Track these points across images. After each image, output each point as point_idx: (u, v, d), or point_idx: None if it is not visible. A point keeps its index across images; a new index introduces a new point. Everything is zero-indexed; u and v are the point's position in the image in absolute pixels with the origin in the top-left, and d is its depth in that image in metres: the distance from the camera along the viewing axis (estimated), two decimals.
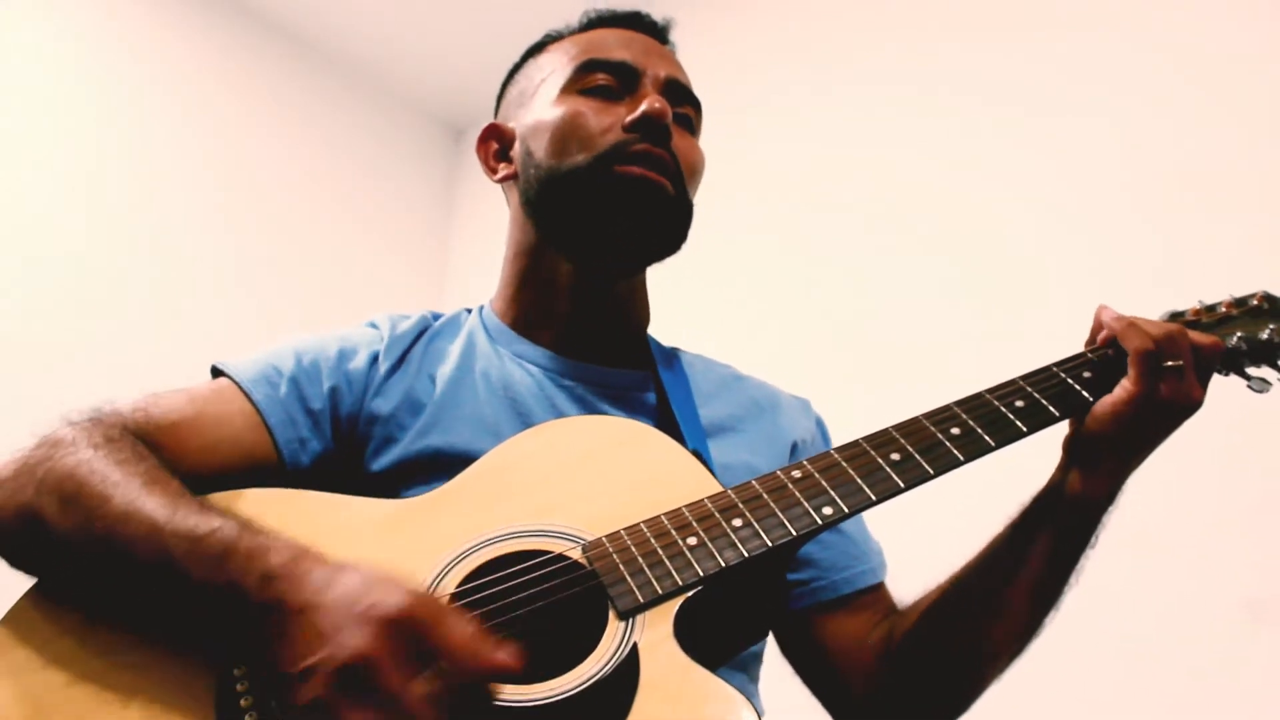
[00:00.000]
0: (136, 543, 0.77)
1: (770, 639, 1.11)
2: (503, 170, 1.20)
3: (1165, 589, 1.71)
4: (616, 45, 1.16)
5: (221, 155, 3.16)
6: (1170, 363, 0.89)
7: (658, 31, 1.23)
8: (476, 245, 3.58)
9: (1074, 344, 1.00)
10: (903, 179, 2.43)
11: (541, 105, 1.15)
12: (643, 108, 1.08)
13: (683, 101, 1.17)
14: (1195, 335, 0.92)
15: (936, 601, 1.01)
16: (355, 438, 1.03)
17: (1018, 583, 0.96)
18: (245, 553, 0.74)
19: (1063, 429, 0.95)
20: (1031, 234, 2.16)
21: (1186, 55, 2.06)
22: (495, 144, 1.22)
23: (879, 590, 1.13)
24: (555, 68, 1.17)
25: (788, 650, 1.13)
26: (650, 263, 1.17)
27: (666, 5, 3.05)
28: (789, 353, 2.32)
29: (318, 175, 3.41)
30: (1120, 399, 0.89)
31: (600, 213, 1.08)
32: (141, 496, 0.80)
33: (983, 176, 2.29)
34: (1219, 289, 1.03)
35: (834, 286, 2.47)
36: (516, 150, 1.17)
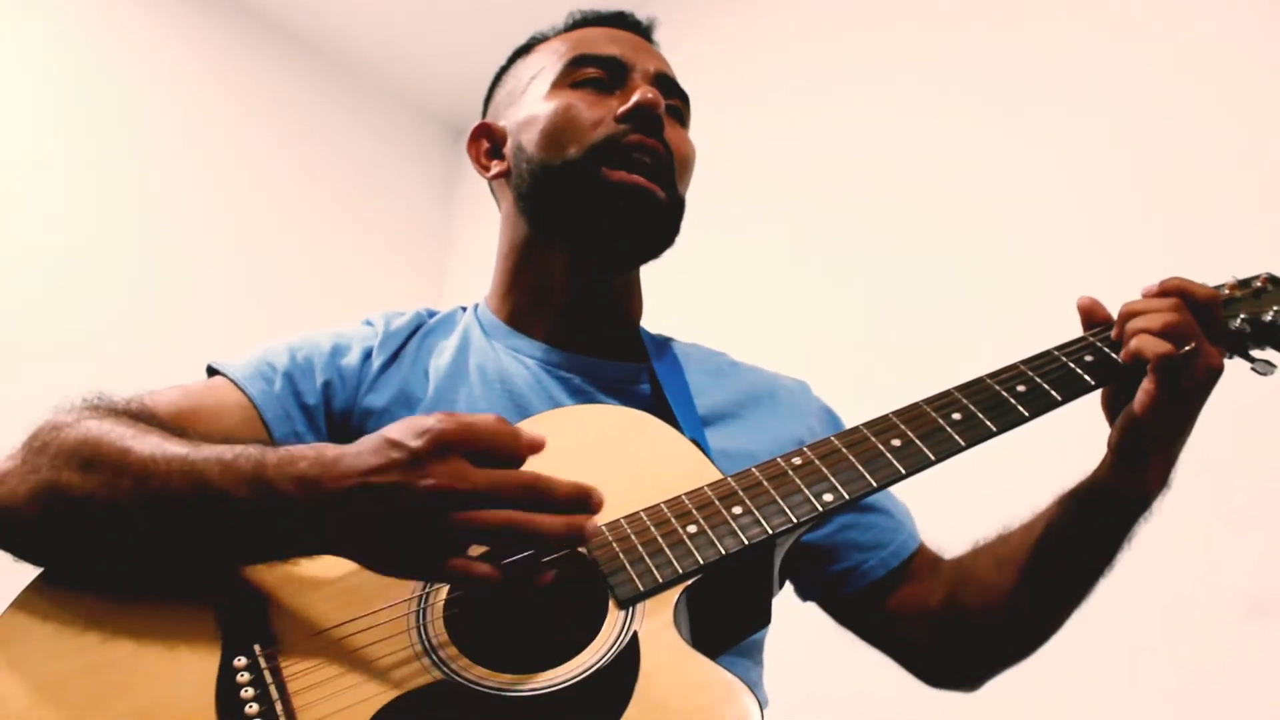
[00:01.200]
0: (170, 478, 0.78)
1: (779, 628, 1.12)
2: (495, 167, 1.21)
3: (1165, 586, 1.70)
4: (605, 41, 1.18)
5: (221, 155, 3.16)
6: (1186, 348, 0.87)
7: (643, 30, 1.25)
8: (476, 245, 3.58)
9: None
10: (904, 176, 2.42)
11: (532, 101, 1.16)
12: (635, 98, 1.10)
13: (672, 94, 1.18)
14: (1192, 289, 0.91)
15: (996, 567, 1.06)
16: (349, 432, 1.03)
17: (1074, 565, 1.01)
18: (275, 465, 0.77)
19: (1073, 419, 0.95)
20: (1033, 230, 2.15)
21: (1188, 52, 2.05)
22: (486, 142, 1.23)
23: (923, 552, 1.16)
24: (545, 65, 1.18)
25: (858, 628, 1.16)
26: (641, 262, 1.18)
27: (667, 4, 3.05)
28: (790, 349, 2.31)
29: (317, 175, 3.41)
30: (1147, 402, 0.89)
31: (592, 215, 1.09)
32: (161, 443, 0.81)
33: (985, 173, 2.28)
34: (1220, 278, 1.02)
35: (835, 284, 2.46)
36: (508, 147, 1.18)
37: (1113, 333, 0.93)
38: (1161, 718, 1.65)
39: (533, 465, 0.92)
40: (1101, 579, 1.01)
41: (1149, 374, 0.88)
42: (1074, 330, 0.98)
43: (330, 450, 0.77)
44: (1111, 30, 2.19)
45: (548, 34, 1.25)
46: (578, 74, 1.14)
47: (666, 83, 1.18)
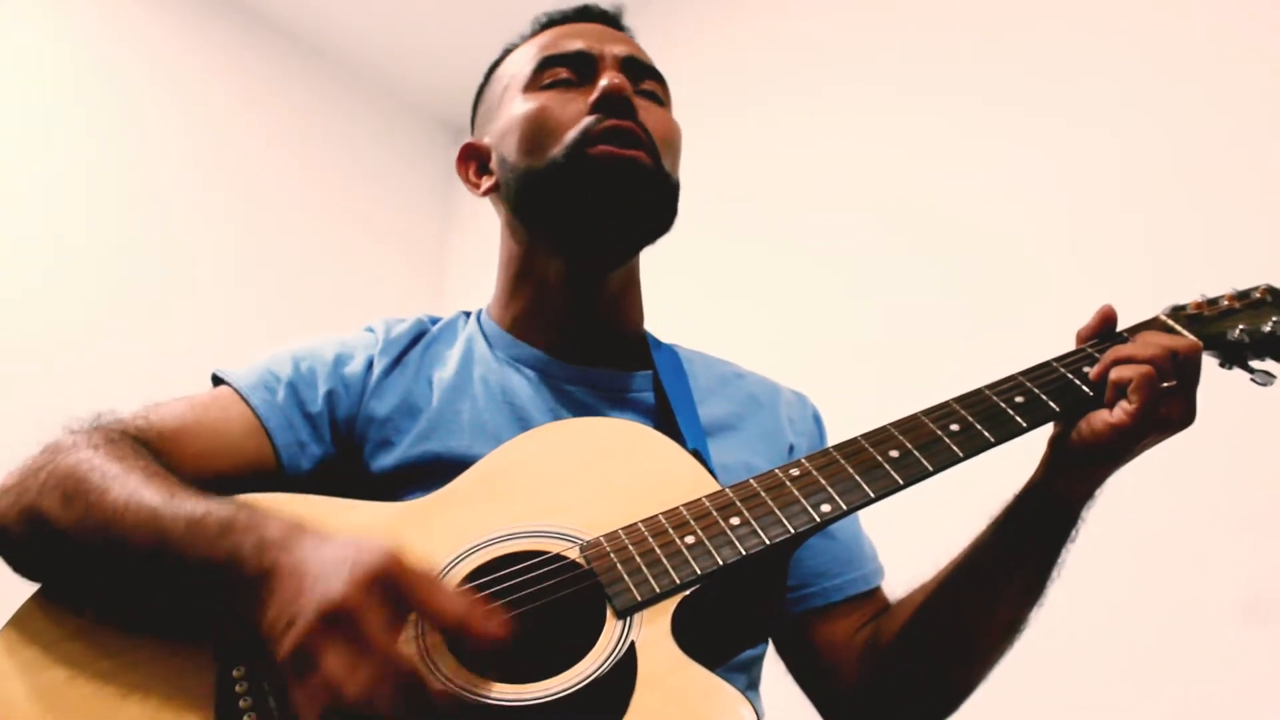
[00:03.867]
0: (136, 529, 0.78)
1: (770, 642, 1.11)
2: (485, 183, 1.20)
3: (1163, 590, 1.71)
4: (570, 38, 1.17)
5: (221, 155, 3.16)
6: (1168, 384, 0.87)
7: (609, 19, 1.24)
8: (475, 245, 3.57)
9: (1072, 343, 0.99)
10: (901, 179, 2.42)
11: (507, 110, 1.16)
12: (601, 83, 1.09)
13: (644, 77, 1.17)
14: (1173, 343, 0.89)
15: (922, 601, 1.01)
16: (353, 441, 1.04)
17: (1002, 580, 0.96)
18: (243, 527, 0.76)
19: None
20: (1030, 234, 2.15)
21: (1184, 56, 2.05)
22: (474, 161, 1.23)
23: (873, 595, 1.12)
24: (515, 72, 1.18)
25: (783, 653, 1.13)
26: (641, 244, 1.16)
27: (663, 7, 3.03)
28: (787, 353, 2.31)
29: (316, 175, 3.41)
30: (1121, 421, 0.87)
31: (580, 199, 1.07)
32: (140, 488, 0.81)
33: (981, 176, 2.28)
34: (1220, 287, 1.02)
35: (832, 287, 2.46)
36: (494, 161, 1.18)
37: (1093, 372, 0.92)
38: (1158, 718, 1.66)
39: (533, 476, 0.93)
40: (1036, 603, 0.97)
41: (1131, 393, 0.86)
42: (1067, 333, 0.98)
43: (303, 527, 0.76)
44: (1105, 32, 2.19)
45: (517, 42, 1.24)
46: (546, 75, 1.14)
47: (636, 66, 1.16)
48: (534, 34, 1.23)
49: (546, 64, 1.14)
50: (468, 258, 3.60)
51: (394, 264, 3.54)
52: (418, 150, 3.76)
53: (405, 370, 1.10)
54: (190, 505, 0.78)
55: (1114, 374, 0.88)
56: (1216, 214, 1.88)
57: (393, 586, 0.70)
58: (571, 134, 1.07)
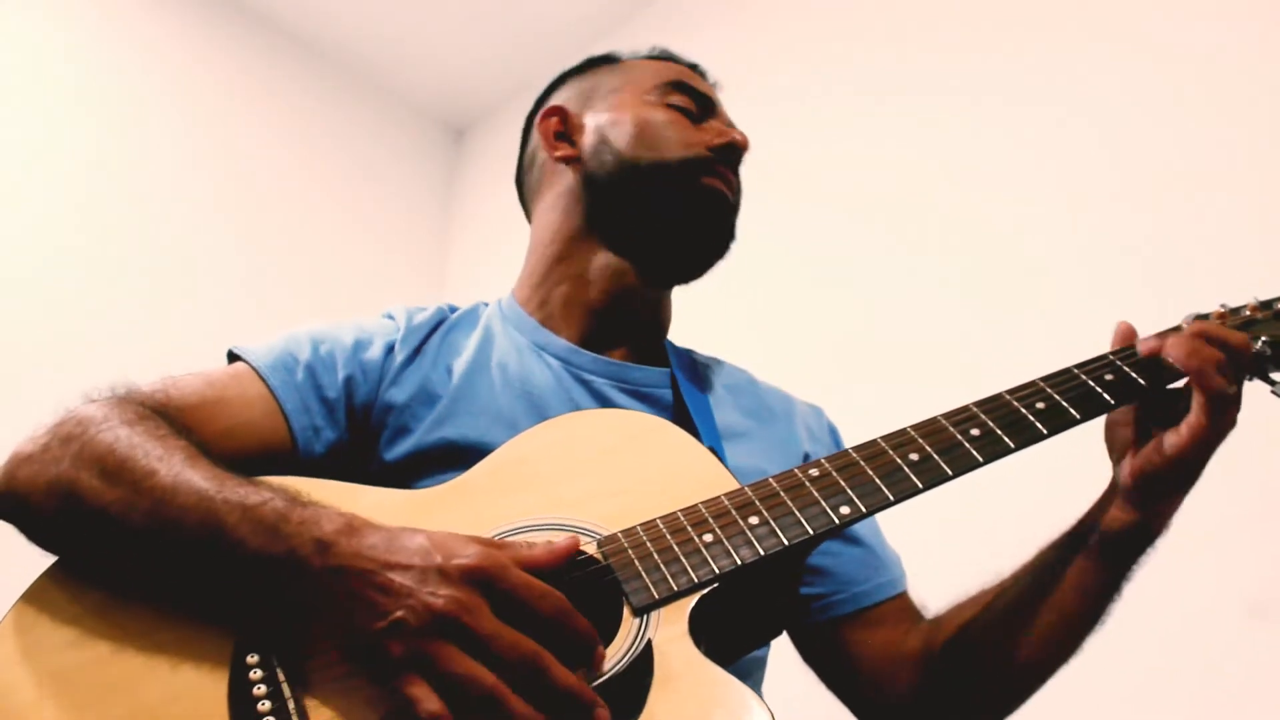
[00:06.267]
0: (187, 512, 0.77)
1: (781, 645, 1.10)
2: (563, 149, 1.21)
3: (1166, 589, 1.70)
4: (698, 80, 1.25)
5: (221, 155, 3.15)
6: (1233, 389, 0.86)
7: (713, 84, 1.31)
8: (476, 245, 3.57)
9: (1085, 344, 0.99)
10: (901, 179, 2.42)
11: (624, 103, 1.19)
12: (734, 135, 1.17)
13: None
14: (1226, 335, 0.88)
15: (980, 618, 1.01)
16: (369, 427, 1.03)
17: (1069, 607, 0.95)
18: (298, 521, 0.75)
19: (1077, 441, 0.94)
20: (1043, 234, 2.14)
21: (1186, 55, 2.05)
22: (558, 123, 1.23)
23: (901, 599, 1.12)
24: (636, 79, 1.22)
25: (812, 661, 1.13)
26: (695, 274, 1.21)
27: (672, 6, 3.02)
28: (787, 353, 2.31)
29: (318, 175, 3.40)
30: (1194, 439, 0.85)
31: (675, 214, 1.14)
32: (186, 470, 0.80)
33: (981, 176, 2.28)
34: (1221, 287, 1.01)
35: (843, 289, 2.46)
36: (585, 136, 1.20)
37: (1142, 348, 0.90)
38: (1160, 718, 1.65)
39: (552, 467, 0.92)
40: (1094, 630, 0.97)
41: (1199, 404, 0.85)
42: (1069, 333, 0.97)
43: (360, 522, 0.76)
44: (1107, 32, 2.19)
45: (628, 56, 1.29)
46: (673, 97, 1.19)
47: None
48: (651, 58, 1.28)
49: (679, 87, 1.21)
50: (468, 258, 3.59)
51: (394, 264, 3.53)
52: (418, 150, 3.76)
53: (424, 359, 1.10)
54: (242, 492, 0.78)
55: (1195, 363, 0.85)
56: (1218, 213, 1.88)
57: (491, 578, 0.71)
58: (689, 153, 1.14)
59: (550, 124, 1.23)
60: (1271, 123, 1.87)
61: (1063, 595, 0.95)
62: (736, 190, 1.18)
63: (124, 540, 0.79)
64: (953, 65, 2.44)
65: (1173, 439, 0.86)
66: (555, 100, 1.27)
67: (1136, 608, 1.68)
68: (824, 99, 2.69)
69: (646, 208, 1.12)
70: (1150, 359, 0.90)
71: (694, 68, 1.29)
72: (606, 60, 1.28)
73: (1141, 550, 0.93)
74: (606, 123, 1.18)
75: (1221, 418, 0.85)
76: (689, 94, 1.20)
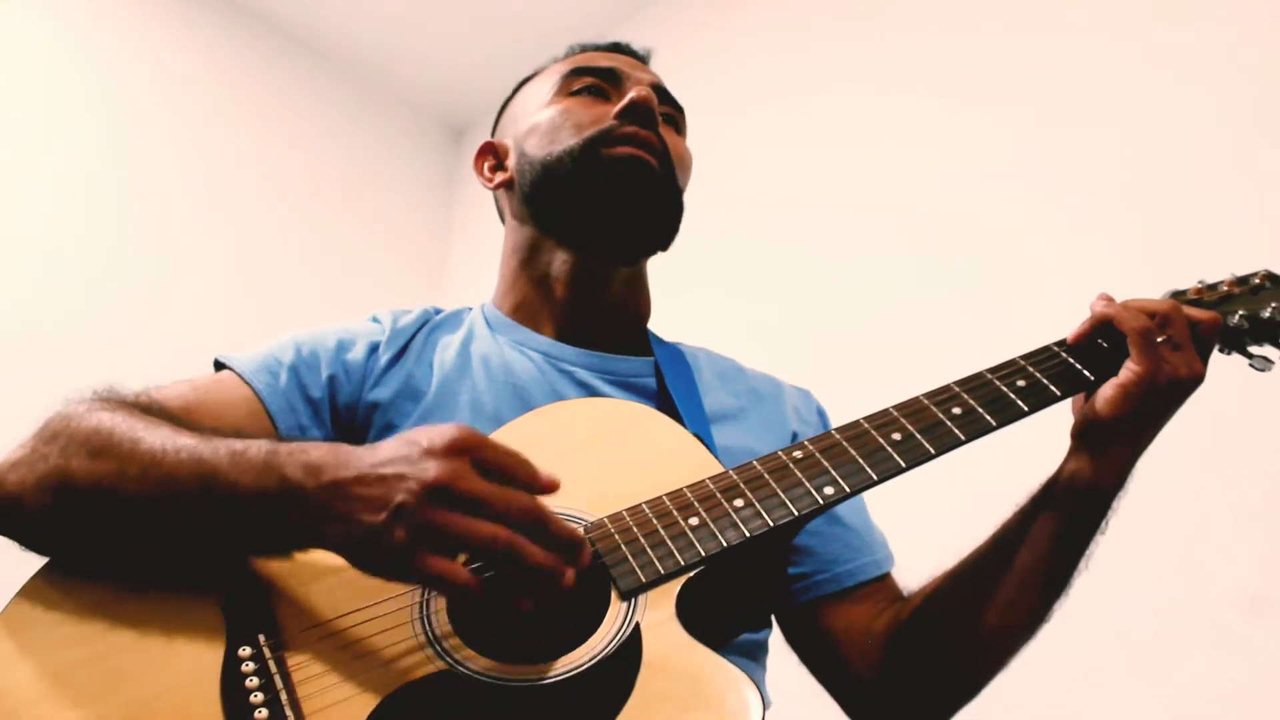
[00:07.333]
0: (179, 467, 0.79)
1: (776, 630, 1.11)
2: (498, 178, 1.26)
3: (1163, 584, 1.71)
4: (602, 57, 1.25)
5: (222, 155, 3.17)
6: (1170, 336, 0.89)
7: (639, 56, 1.31)
8: (476, 245, 3.58)
9: None
10: (901, 179, 2.42)
11: (534, 111, 1.22)
12: (630, 94, 1.14)
13: (666, 102, 1.24)
14: (1191, 310, 0.92)
15: (944, 587, 1.01)
16: (355, 426, 1.05)
17: (1028, 569, 0.95)
18: (286, 453, 0.77)
19: (1068, 418, 0.95)
20: (1031, 231, 2.15)
21: (1186, 55, 2.05)
22: (491, 158, 1.29)
23: (884, 581, 1.12)
24: (545, 84, 1.24)
25: (794, 642, 1.13)
26: (643, 251, 1.19)
27: (672, 6, 3.03)
28: (787, 353, 2.31)
29: (318, 175, 3.42)
30: (1126, 380, 0.88)
31: (591, 190, 1.12)
32: (173, 434, 0.82)
33: (981, 175, 2.28)
34: (1217, 276, 1.02)
35: (831, 286, 2.47)
36: (511, 159, 1.24)
37: (1071, 335, 0.95)
38: (1159, 717, 1.66)
39: (537, 456, 0.93)
40: (1061, 594, 0.96)
41: (1130, 347, 0.89)
42: (1068, 327, 0.98)
43: (345, 446, 0.78)
44: (1105, 31, 2.19)
45: (548, 64, 1.31)
46: (576, 83, 1.21)
47: (661, 91, 1.22)
48: (567, 57, 1.29)
49: (578, 72, 1.21)
50: (468, 258, 3.60)
51: (394, 264, 3.55)
52: (418, 150, 3.77)
53: (408, 358, 1.12)
54: (229, 442, 0.80)
55: (1111, 310, 0.90)
56: (1217, 213, 1.89)
57: (471, 449, 0.73)
58: (591, 131, 1.13)
59: (483, 161, 1.28)
60: (1272, 122, 1.87)
61: (1023, 559, 0.95)
62: (655, 145, 1.14)
63: (120, 512, 0.80)
64: (953, 65, 2.44)
65: (1108, 387, 0.90)
66: (490, 137, 1.32)
67: (1136, 604, 1.70)
68: (824, 98, 2.69)
69: (571, 196, 1.13)
70: (1104, 323, 0.93)
71: (612, 46, 1.30)
72: (527, 80, 1.32)
73: (1097, 507, 0.93)
74: (522, 136, 1.21)
75: (1154, 366, 0.88)
76: (589, 74, 1.21)
